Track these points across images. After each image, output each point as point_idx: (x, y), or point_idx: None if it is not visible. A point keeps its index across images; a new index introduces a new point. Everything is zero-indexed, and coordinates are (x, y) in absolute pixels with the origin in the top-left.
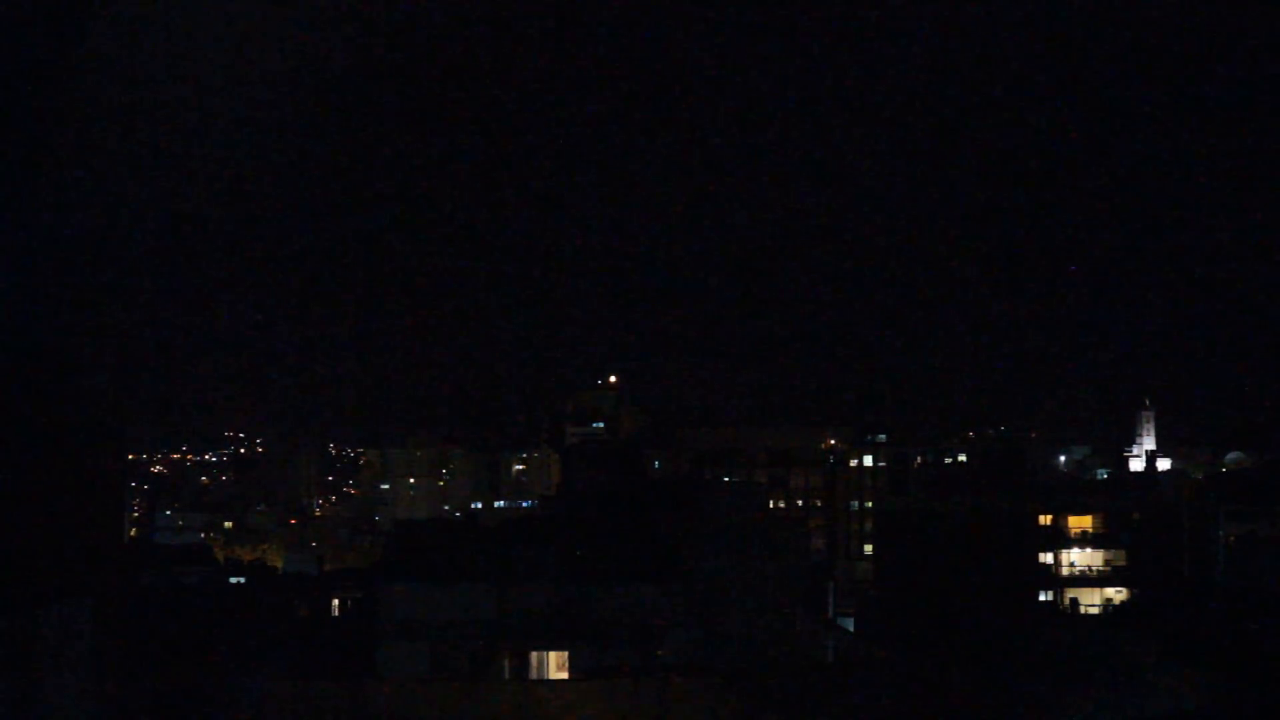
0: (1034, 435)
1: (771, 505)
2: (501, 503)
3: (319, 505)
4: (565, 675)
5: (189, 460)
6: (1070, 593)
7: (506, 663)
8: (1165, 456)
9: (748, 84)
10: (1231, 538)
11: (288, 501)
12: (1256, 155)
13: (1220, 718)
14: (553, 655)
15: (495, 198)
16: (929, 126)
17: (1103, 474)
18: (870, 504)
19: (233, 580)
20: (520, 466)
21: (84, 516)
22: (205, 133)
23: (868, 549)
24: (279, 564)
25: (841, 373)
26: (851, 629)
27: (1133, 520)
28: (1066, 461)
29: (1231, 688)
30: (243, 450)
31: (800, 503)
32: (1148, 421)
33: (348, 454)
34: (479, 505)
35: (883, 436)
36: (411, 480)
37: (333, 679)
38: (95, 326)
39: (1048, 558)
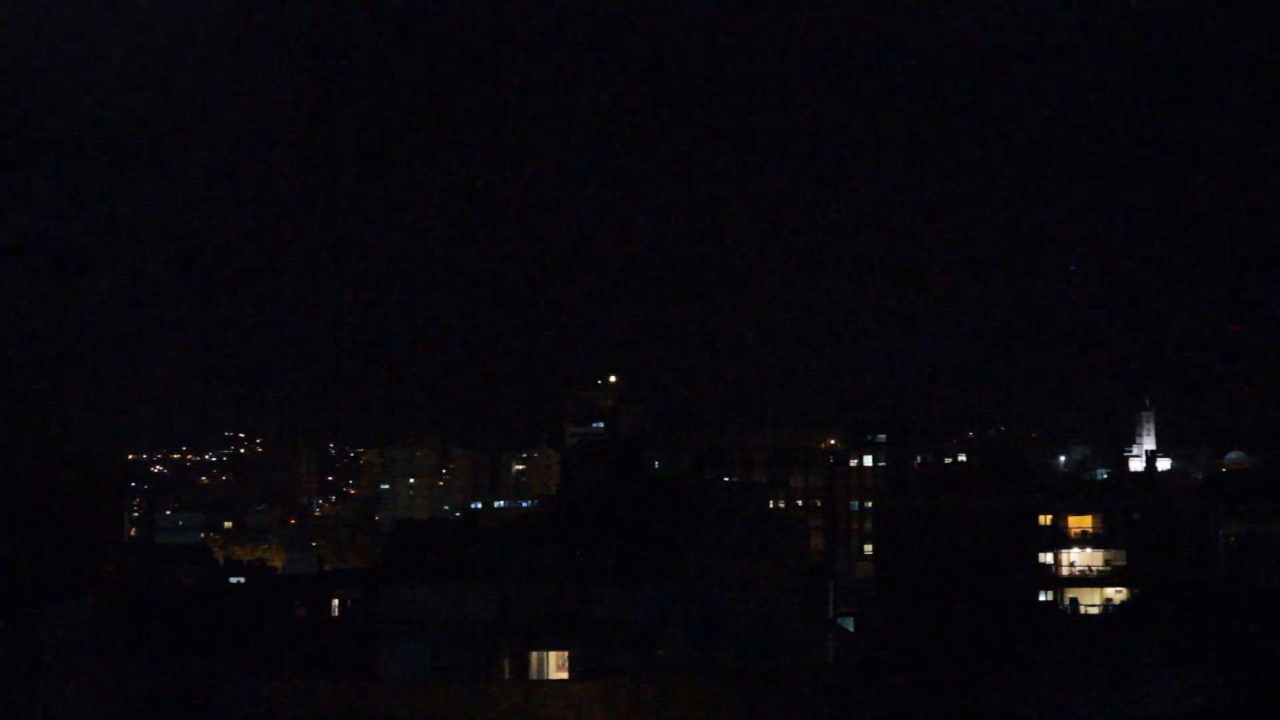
0: (1034, 435)
1: (771, 505)
2: (501, 503)
3: (319, 505)
4: (565, 675)
5: (189, 460)
6: (1070, 593)
7: (506, 663)
8: (1165, 456)
9: (748, 83)
10: (1231, 538)
11: (288, 501)
12: (1257, 155)
13: (1220, 718)
14: (553, 655)
15: (495, 197)
16: (928, 125)
17: (1103, 474)
18: (870, 504)
19: (233, 580)
20: (520, 466)
21: (84, 516)
22: (206, 132)
23: (868, 549)
24: (279, 564)
25: (841, 373)
26: (851, 629)
27: (1133, 520)
28: (1066, 461)
29: (1231, 688)
30: (243, 450)
31: (800, 503)
32: (1148, 421)
33: (348, 454)
34: (479, 505)
35: (883, 436)
36: (411, 480)
37: (333, 679)
38: (96, 328)
39: (1048, 558)
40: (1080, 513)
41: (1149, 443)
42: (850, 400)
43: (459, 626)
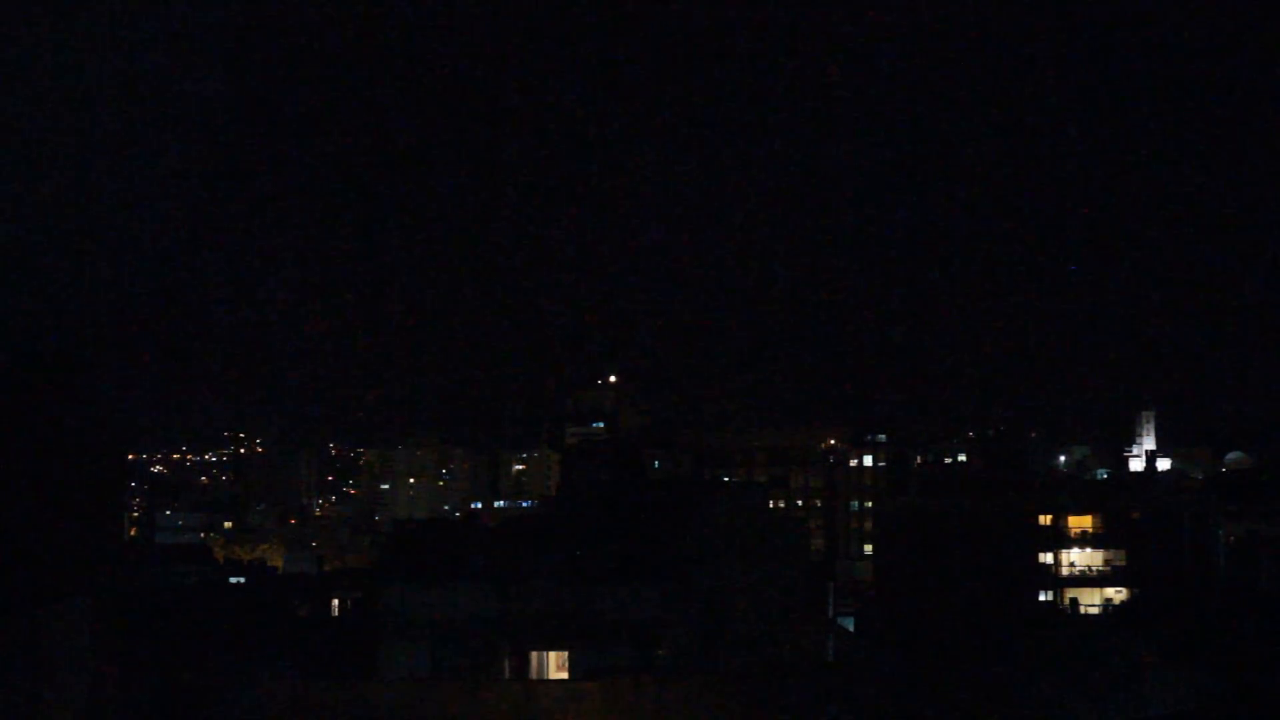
0: (1034, 435)
1: (771, 505)
2: (501, 503)
3: (319, 505)
4: (565, 675)
5: (189, 460)
6: (1070, 593)
7: (506, 663)
8: (1165, 456)
9: (748, 83)
10: (1231, 538)
11: (288, 501)
12: (1256, 155)
13: (1220, 718)
14: (553, 655)
15: (496, 197)
16: (930, 125)
17: (1103, 474)
18: (870, 504)
19: (233, 580)
20: (520, 466)
21: (84, 516)
22: (207, 131)
23: (868, 549)
24: (279, 564)
25: (841, 373)
26: (851, 629)
27: (1133, 520)
28: (1066, 461)
29: (1231, 688)
30: (243, 450)
31: (800, 503)
32: (1148, 421)
33: (348, 454)
34: (479, 505)
35: (883, 436)
36: (411, 480)
37: (333, 679)
38: (96, 326)
39: (1048, 558)
40: (1080, 513)
41: (1149, 443)
42: (850, 400)
43: (459, 626)
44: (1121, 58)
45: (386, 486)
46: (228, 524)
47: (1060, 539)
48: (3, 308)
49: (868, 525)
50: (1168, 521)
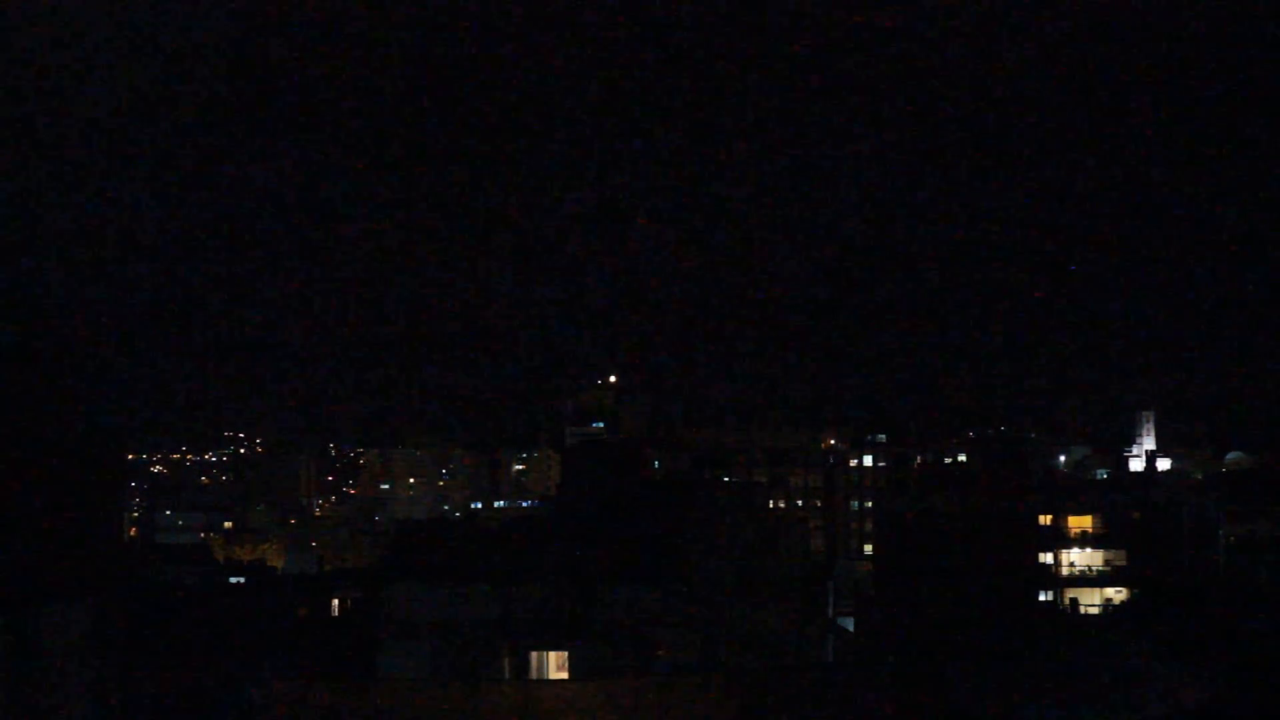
0: (1034, 435)
1: (771, 505)
2: (501, 503)
3: (319, 505)
4: (565, 675)
5: (189, 460)
6: (1070, 593)
7: (506, 663)
8: (1165, 456)
9: (747, 82)
10: (1231, 538)
11: (288, 501)
12: (1256, 155)
13: (1220, 718)
14: (553, 655)
15: (495, 197)
16: (929, 126)
17: (1103, 474)
18: (870, 504)
19: (233, 580)
20: (520, 466)
21: (84, 516)
22: (207, 132)
23: (868, 549)
24: (279, 564)
25: (841, 373)
26: (851, 629)
27: (1133, 520)
28: (1066, 461)
29: (1231, 688)
30: (243, 450)
31: (800, 503)
32: (1148, 421)
33: (348, 454)
34: (479, 505)
35: (883, 436)
36: (411, 480)
37: (333, 679)
38: (96, 326)
39: (1048, 558)
40: (1080, 513)
41: (1149, 443)
42: (850, 400)
43: (459, 626)
44: (1121, 56)
45: (386, 486)
46: (228, 524)
47: (1060, 539)
48: (3, 308)
49: (868, 525)
50: (1168, 521)
